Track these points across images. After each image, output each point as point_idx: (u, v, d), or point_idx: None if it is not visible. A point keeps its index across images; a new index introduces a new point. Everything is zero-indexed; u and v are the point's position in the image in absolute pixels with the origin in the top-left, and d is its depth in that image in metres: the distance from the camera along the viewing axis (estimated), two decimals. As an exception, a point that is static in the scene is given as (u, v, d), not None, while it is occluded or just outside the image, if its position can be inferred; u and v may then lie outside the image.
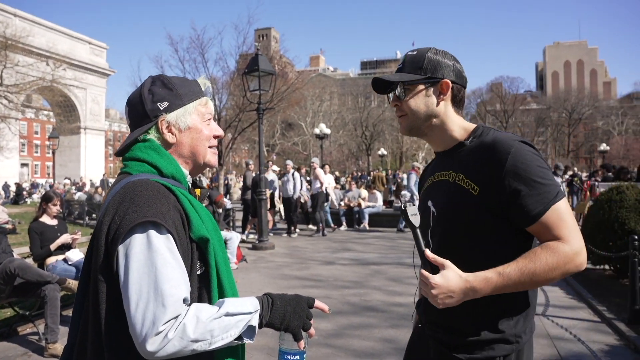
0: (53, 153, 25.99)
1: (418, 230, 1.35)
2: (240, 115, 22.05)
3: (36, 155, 69.12)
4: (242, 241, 10.47)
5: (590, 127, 70.97)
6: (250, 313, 1.16)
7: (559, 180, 12.11)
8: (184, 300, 1.11)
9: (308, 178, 13.00)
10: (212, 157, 1.42)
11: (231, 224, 11.91)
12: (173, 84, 1.36)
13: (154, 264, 1.10)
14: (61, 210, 4.44)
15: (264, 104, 10.93)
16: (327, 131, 26.75)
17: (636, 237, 4.92)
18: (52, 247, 5.13)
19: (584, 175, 22.65)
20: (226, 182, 26.45)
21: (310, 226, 13.67)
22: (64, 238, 5.21)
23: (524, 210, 1.31)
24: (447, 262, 1.31)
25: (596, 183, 11.32)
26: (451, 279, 1.28)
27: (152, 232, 1.13)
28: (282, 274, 7.70)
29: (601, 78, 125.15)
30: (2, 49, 24.37)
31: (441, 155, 1.57)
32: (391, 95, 1.52)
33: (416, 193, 12.78)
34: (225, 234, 8.41)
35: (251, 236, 11.84)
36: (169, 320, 1.06)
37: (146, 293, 1.07)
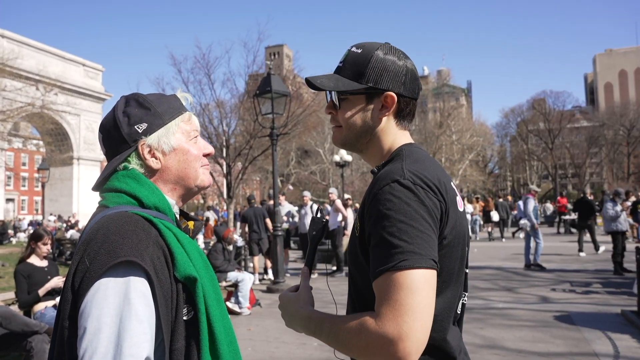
0: (42, 186, 26.48)
1: (310, 248, 1.54)
2: (251, 142, 22.12)
3: (23, 190, 70.55)
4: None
5: (653, 146, 69.69)
6: None
7: (618, 208, 11.50)
8: None
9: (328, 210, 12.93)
10: (204, 177, 1.41)
11: (243, 263, 11.84)
12: (150, 102, 1.36)
13: (118, 315, 1.07)
14: (51, 250, 4.45)
15: (277, 129, 11.03)
16: (348, 158, 26.69)
17: None
18: (41, 292, 5.13)
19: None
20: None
21: (328, 265, 13.55)
22: (55, 282, 5.21)
23: (371, 265, 1.19)
24: (303, 285, 1.41)
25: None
26: (289, 302, 1.39)
27: (123, 278, 1.11)
28: (300, 321, 7.57)
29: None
30: (-13, 73, 25.17)
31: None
32: (328, 96, 1.44)
33: (535, 221, 12.39)
34: (236, 274, 8.40)
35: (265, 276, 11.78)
36: None
37: (104, 347, 1.04)
